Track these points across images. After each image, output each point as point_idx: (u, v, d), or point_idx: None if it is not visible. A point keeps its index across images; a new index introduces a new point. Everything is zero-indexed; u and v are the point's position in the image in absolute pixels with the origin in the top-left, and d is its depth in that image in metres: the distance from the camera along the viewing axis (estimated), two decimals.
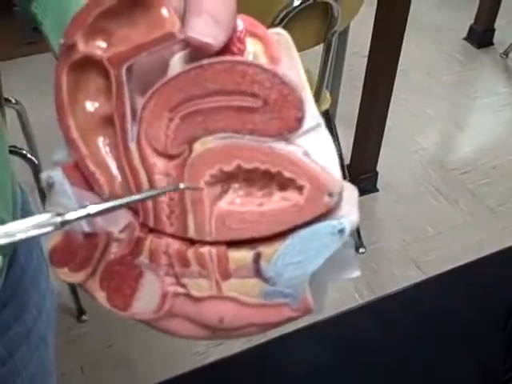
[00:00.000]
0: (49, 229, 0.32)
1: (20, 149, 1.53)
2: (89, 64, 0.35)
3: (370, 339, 0.71)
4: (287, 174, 0.34)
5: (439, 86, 2.73)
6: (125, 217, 0.37)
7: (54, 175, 0.37)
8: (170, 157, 0.35)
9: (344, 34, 1.99)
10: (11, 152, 0.64)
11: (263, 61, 0.35)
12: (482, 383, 0.68)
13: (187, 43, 0.33)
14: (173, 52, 0.35)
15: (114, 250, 0.37)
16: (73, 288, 1.73)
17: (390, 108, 2.05)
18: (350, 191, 0.35)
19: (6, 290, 0.62)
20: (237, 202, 0.35)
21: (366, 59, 1.99)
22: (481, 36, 2.92)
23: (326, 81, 1.77)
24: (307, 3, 1.42)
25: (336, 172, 0.35)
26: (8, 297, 0.63)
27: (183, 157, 0.35)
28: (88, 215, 0.33)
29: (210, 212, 0.35)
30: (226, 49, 0.34)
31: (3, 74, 1.61)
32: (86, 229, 0.37)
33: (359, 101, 2.07)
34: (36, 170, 1.55)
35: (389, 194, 2.23)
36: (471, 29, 2.96)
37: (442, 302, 0.77)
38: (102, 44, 0.35)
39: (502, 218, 2.14)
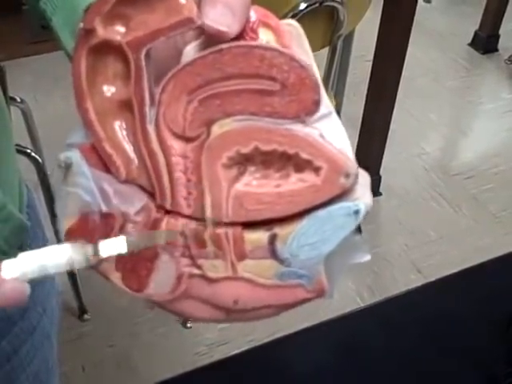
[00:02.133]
0: (81, 264, 0.33)
1: (24, 147, 1.54)
2: (107, 49, 0.36)
3: (371, 342, 0.71)
4: (304, 156, 0.35)
5: (443, 91, 2.73)
6: (140, 198, 0.37)
7: (72, 156, 0.37)
8: (187, 139, 0.36)
9: (349, 37, 2.00)
10: (16, 151, 0.65)
11: None
12: None
13: (202, 31, 0.34)
14: (186, 42, 0.35)
15: (130, 232, 0.37)
16: (75, 287, 1.73)
17: (394, 112, 2.06)
18: (364, 176, 0.36)
19: None
20: (254, 184, 0.36)
21: (370, 63, 1.99)
22: (485, 42, 2.93)
23: (331, 84, 1.77)
24: (313, 7, 1.43)
25: (351, 155, 0.35)
26: None
27: (201, 139, 0.35)
28: (119, 254, 0.34)
29: (227, 193, 0.36)
30: (239, 38, 0.35)
31: (8, 73, 1.62)
32: (104, 208, 0.37)
33: (363, 104, 2.07)
34: (40, 169, 1.56)
35: (392, 198, 2.23)
36: (476, 34, 2.96)
37: (444, 306, 0.77)
38: (121, 29, 0.36)
39: (504, 224, 2.14)
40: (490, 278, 0.81)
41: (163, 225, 0.37)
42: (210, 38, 0.34)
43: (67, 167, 0.38)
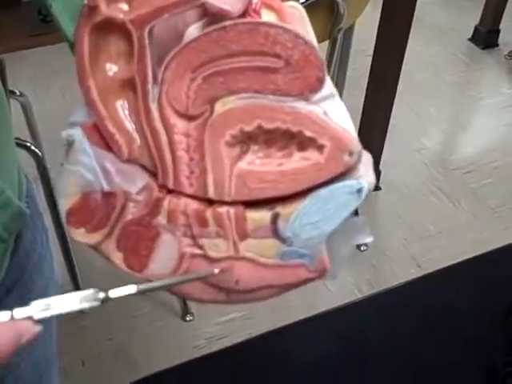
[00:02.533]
0: (93, 304, 0.34)
1: (24, 141, 1.54)
2: (110, 27, 0.36)
3: (370, 333, 0.72)
4: (308, 133, 0.34)
5: (443, 86, 2.73)
6: (142, 177, 0.37)
7: (74, 133, 0.37)
8: (190, 117, 0.35)
9: (349, 32, 1.99)
10: (16, 144, 0.65)
11: None
12: (482, 377, 0.68)
13: (204, 12, 0.34)
14: (187, 23, 0.35)
15: (132, 211, 0.37)
16: (75, 280, 1.73)
17: (394, 107, 2.06)
18: (366, 156, 0.36)
19: (11, 275, 0.62)
20: (257, 163, 0.36)
21: (370, 58, 1.99)
22: (486, 37, 2.92)
23: (331, 78, 1.77)
24: (313, 0, 1.42)
25: (354, 134, 0.35)
26: (13, 282, 0.64)
27: (204, 117, 0.35)
28: (129, 294, 0.34)
29: (230, 172, 0.36)
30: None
31: (8, 66, 1.62)
32: (105, 187, 0.37)
33: (363, 99, 2.07)
34: (40, 162, 1.55)
35: (391, 193, 2.23)
36: (476, 29, 2.96)
37: (443, 297, 0.77)
38: (124, 7, 0.35)
39: (503, 218, 2.14)
40: (488, 269, 0.82)
41: (165, 204, 0.37)
42: (213, 18, 0.34)
43: (69, 145, 0.37)
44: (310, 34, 0.37)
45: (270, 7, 0.36)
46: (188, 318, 1.78)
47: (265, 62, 0.34)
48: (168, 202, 0.37)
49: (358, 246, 2.02)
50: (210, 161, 0.35)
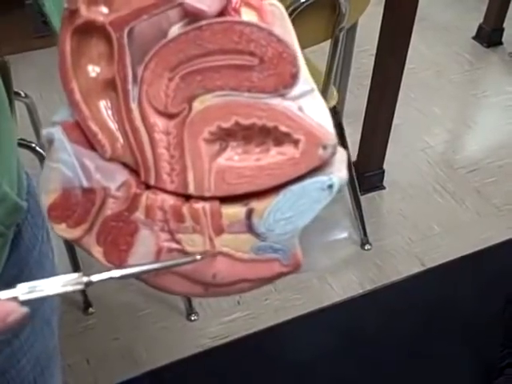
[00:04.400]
0: (76, 287, 0.34)
1: (29, 142, 1.55)
2: (91, 29, 0.37)
3: (372, 327, 0.72)
4: (283, 129, 0.35)
5: (447, 84, 2.73)
6: (122, 174, 0.38)
7: (55, 132, 0.38)
8: (170, 116, 0.36)
9: (352, 31, 2.00)
10: (20, 145, 0.66)
11: None
12: (480, 369, 0.69)
13: (184, 11, 0.35)
14: (170, 22, 0.36)
15: (111, 207, 0.38)
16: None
17: (398, 106, 2.06)
18: (341, 152, 0.36)
19: (10, 270, 0.63)
20: (235, 159, 0.36)
21: (373, 57, 1.99)
22: (490, 35, 2.92)
23: (334, 77, 1.78)
24: None
25: (330, 129, 0.35)
26: (12, 277, 0.64)
27: (183, 115, 0.36)
28: (111, 278, 0.35)
29: (210, 168, 0.36)
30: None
31: (13, 68, 1.62)
32: (84, 183, 0.38)
33: (366, 98, 2.07)
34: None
35: (395, 192, 2.23)
36: (480, 28, 2.95)
37: (442, 292, 0.78)
38: (104, 9, 0.36)
39: (508, 217, 2.13)
40: (487, 266, 0.82)
41: (143, 199, 0.38)
42: (193, 18, 0.35)
43: (50, 143, 0.38)
44: (289, 32, 0.38)
45: (249, 5, 0.37)
46: (192, 318, 1.79)
47: (240, 60, 0.35)
48: (146, 197, 0.38)
49: (362, 245, 2.02)
50: (189, 158, 0.36)
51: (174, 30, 0.36)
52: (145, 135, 0.37)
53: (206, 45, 0.35)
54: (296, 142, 0.35)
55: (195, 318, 1.79)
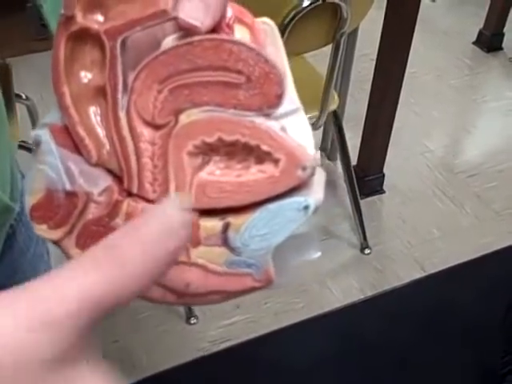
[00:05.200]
0: None
1: (30, 144, 1.55)
2: (86, 36, 0.38)
3: (372, 333, 0.72)
4: (265, 148, 0.36)
5: (447, 89, 2.74)
6: (105, 179, 0.38)
7: (42, 134, 0.39)
8: (156, 127, 0.37)
9: (353, 36, 2.00)
10: (20, 146, 0.66)
11: None
12: (482, 375, 0.69)
13: (178, 25, 0.35)
14: (165, 33, 0.37)
15: (93, 211, 0.39)
16: None
17: (398, 110, 2.06)
18: (320, 174, 0.37)
19: (4, 270, 0.63)
20: (216, 173, 0.37)
21: (374, 62, 2.00)
22: (490, 40, 2.93)
23: (334, 82, 1.78)
24: (316, 4, 1.43)
25: (311, 150, 0.36)
26: (6, 277, 0.65)
27: (169, 127, 0.37)
28: None
29: (191, 181, 0.37)
30: (214, 33, 0.36)
31: (14, 71, 1.63)
32: (68, 186, 0.38)
33: (367, 103, 2.08)
34: None
35: (395, 196, 2.24)
36: (480, 33, 2.96)
37: (443, 298, 0.78)
38: (100, 18, 0.37)
39: (507, 222, 2.14)
40: (488, 271, 0.82)
41: (124, 206, 0.38)
42: (184, 31, 0.36)
43: (37, 144, 0.39)
44: (280, 50, 0.38)
45: (242, 23, 0.38)
46: (192, 321, 1.79)
47: (228, 78, 0.35)
48: (127, 204, 0.38)
49: (362, 249, 2.03)
50: (172, 169, 0.37)
51: (168, 42, 0.37)
52: (131, 144, 0.37)
53: (195, 60, 0.35)
54: (276, 161, 0.36)
55: (195, 321, 1.79)
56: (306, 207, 0.36)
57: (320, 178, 0.37)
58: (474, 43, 2.99)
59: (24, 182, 0.39)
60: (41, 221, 0.40)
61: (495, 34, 2.93)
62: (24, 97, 1.76)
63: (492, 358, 0.69)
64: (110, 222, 0.39)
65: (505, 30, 2.93)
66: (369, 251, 2.03)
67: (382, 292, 0.77)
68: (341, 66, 2.04)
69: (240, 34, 0.37)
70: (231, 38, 0.36)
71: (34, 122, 1.79)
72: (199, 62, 0.35)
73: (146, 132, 0.37)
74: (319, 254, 0.38)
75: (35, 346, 0.27)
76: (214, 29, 0.36)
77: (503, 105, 2.66)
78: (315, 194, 0.36)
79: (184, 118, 0.36)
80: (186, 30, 0.35)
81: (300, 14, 1.42)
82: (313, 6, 1.43)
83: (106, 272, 0.29)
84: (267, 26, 0.39)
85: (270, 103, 0.36)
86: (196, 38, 0.35)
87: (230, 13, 0.37)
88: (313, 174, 0.36)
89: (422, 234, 2.10)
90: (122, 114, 0.37)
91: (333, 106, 1.79)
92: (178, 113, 0.36)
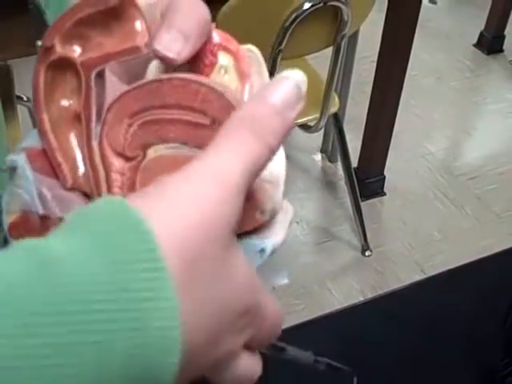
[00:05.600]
0: None
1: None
2: (65, 65, 0.39)
3: (372, 335, 0.72)
4: None
5: (448, 91, 2.74)
6: (79, 204, 0.39)
7: (18, 159, 0.40)
8: (127, 158, 0.38)
9: (354, 38, 2.00)
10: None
11: (233, 75, 0.38)
12: (482, 377, 0.69)
13: (154, 55, 0.36)
14: (149, 58, 0.38)
15: None
16: None
17: (399, 113, 2.06)
18: (285, 212, 0.37)
19: None
20: None
21: (375, 64, 2.00)
22: (491, 42, 2.93)
23: (335, 84, 1.78)
24: (317, 6, 1.43)
25: (276, 190, 0.36)
26: None
27: (138, 160, 0.38)
28: None
29: None
30: (198, 60, 0.37)
31: (16, 72, 1.63)
32: (40, 211, 0.39)
33: (367, 105, 2.08)
34: None
35: (396, 198, 2.24)
36: (481, 35, 2.97)
37: (444, 300, 0.78)
38: (78, 48, 0.38)
39: (508, 224, 2.14)
40: (489, 273, 0.82)
41: None
42: (162, 61, 0.36)
43: (12, 170, 0.40)
44: (264, 78, 0.39)
45: (227, 50, 0.38)
46: None
47: (194, 118, 0.36)
48: None
49: (363, 251, 2.03)
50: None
51: (152, 67, 0.38)
52: (102, 172, 0.39)
53: (165, 98, 0.36)
54: None
55: None
56: (263, 250, 0.36)
57: (286, 217, 0.37)
58: (474, 45, 2.99)
59: (2, 202, 0.40)
60: (20, 238, 0.41)
61: (496, 36, 2.93)
62: (25, 98, 1.76)
63: (492, 359, 0.69)
64: None
65: (506, 32, 2.93)
66: (369, 253, 2.03)
67: (382, 294, 0.77)
68: (341, 69, 2.04)
69: (225, 60, 0.38)
70: (200, 78, 0.37)
71: (35, 124, 1.80)
72: (168, 100, 0.36)
73: (116, 162, 0.38)
74: (286, 280, 0.38)
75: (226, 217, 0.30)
76: (198, 54, 0.37)
77: (504, 107, 2.67)
78: (274, 236, 0.37)
79: (151, 153, 0.37)
80: (162, 62, 0.36)
81: (301, 17, 1.42)
82: (314, 8, 1.43)
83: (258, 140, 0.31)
84: (252, 53, 0.39)
85: None
86: (165, 76, 0.36)
87: (216, 39, 0.38)
88: (272, 217, 0.36)
89: (423, 236, 2.10)
90: (95, 143, 0.38)
91: (333, 108, 1.79)
92: (146, 147, 0.37)
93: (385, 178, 2.21)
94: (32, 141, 0.40)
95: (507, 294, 0.76)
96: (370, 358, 0.70)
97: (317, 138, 2.34)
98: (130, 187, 0.38)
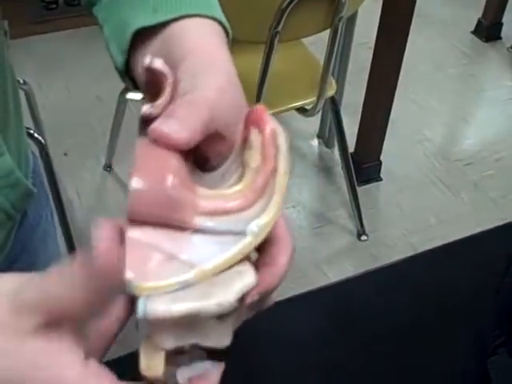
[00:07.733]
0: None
1: (27, 128, 1.55)
2: None
3: (367, 307, 0.73)
4: None
5: (446, 78, 2.74)
6: None
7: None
8: None
9: (351, 24, 2.00)
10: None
11: (256, 158, 0.39)
12: (474, 349, 0.70)
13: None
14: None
15: None
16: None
17: (397, 99, 2.06)
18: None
19: (15, 246, 0.64)
20: None
21: (372, 50, 2.00)
22: (488, 30, 2.93)
23: (332, 69, 1.78)
24: None
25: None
26: (17, 253, 0.66)
27: None
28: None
29: None
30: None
31: (13, 56, 1.63)
32: None
33: (364, 91, 2.08)
34: (42, 149, 1.57)
35: (392, 184, 2.24)
36: (479, 22, 2.96)
37: (437, 274, 0.79)
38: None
39: (503, 210, 2.15)
40: (481, 248, 0.83)
41: None
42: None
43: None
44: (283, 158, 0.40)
45: (259, 129, 0.40)
46: None
47: None
48: None
49: (359, 236, 2.04)
50: None
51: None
52: None
53: None
54: None
55: None
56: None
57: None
58: (472, 32, 2.99)
59: None
60: None
61: (494, 23, 2.92)
62: (22, 81, 1.76)
63: (483, 330, 0.70)
64: None
65: (503, 19, 2.93)
66: (365, 238, 2.04)
67: (375, 268, 0.77)
68: (339, 54, 2.04)
69: (255, 139, 0.40)
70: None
71: (31, 107, 1.79)
72: None
73: None
74: (227, 343, 0.39)
75: None
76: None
77: (501, 94, 2.67)
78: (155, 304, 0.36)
79: None
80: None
81: None
82: None
83: None
84: (282, 137, 0.40)
85: None
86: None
87: (262, 114, 0.40)
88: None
89: (419, 222, 2.11)
90: None
91: (330, 91, 1.79)
92: None
93: (381, 163, 2.22)
94: None
95: (502, 266, 0.76)
96: (363, 330, 0.71)
97: (314, 123, 2.34)
98: None
